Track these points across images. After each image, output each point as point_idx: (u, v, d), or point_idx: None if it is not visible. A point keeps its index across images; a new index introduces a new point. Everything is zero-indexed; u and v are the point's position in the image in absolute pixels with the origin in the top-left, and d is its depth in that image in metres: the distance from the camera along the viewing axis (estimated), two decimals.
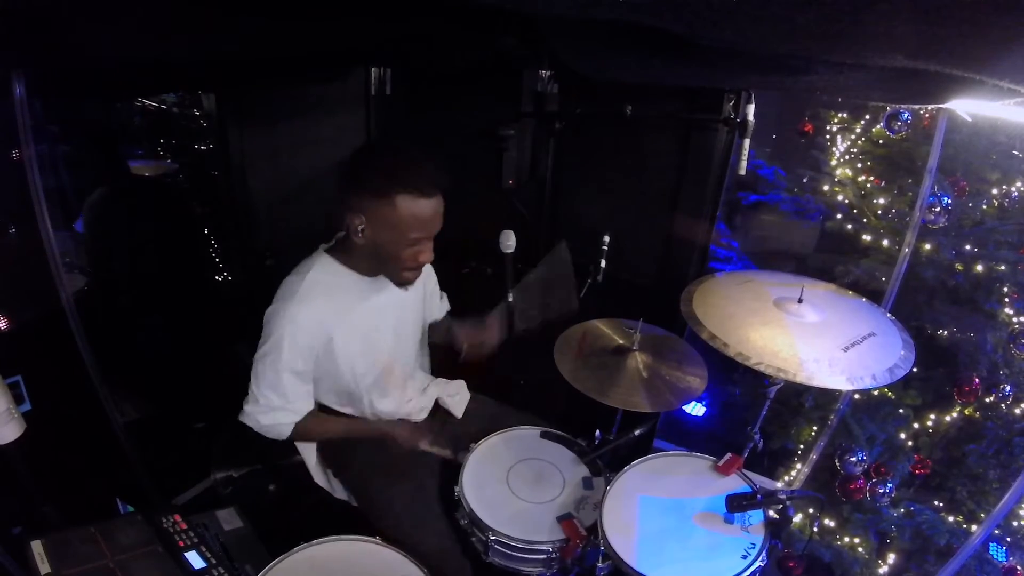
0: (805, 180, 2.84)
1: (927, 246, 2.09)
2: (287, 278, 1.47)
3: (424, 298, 1.74)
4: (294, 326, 1.40)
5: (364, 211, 1.36)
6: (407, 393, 1.71)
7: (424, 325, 1.80)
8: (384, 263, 1.45)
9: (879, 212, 2.31)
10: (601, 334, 1.73)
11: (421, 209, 1.35)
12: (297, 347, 1.42)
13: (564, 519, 1.47)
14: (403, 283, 1.50)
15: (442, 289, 1.88)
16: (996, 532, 1.88)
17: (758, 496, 1.37)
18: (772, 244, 3.15)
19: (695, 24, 0.84)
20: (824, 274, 2.22)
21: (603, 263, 2.13)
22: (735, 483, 1.50)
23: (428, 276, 1.75)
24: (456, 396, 1.81)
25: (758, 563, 1.29)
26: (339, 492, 1.72)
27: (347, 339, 1.49)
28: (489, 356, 1.72)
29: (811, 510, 2.10)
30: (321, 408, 1.62)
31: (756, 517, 1.38)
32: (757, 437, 1.64)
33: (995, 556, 1.90)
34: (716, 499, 1.42)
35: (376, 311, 1.53)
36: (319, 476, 1.70)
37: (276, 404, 1.46)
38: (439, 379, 1.83)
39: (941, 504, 2.10)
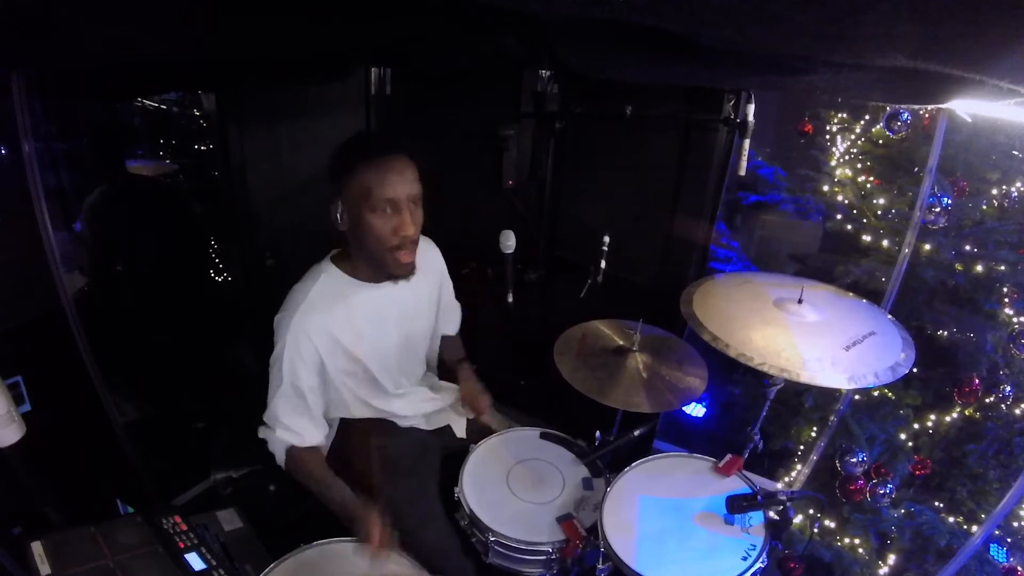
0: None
1: (927, 246, 2.09)
2: (295, 286, 1.48)
3: (437, 306, 1.74)
4: (297, 338, 1.40)
5: (338, 195, 1.39)
6: (421, 395, 1.72)
7: (435, 335, 1.79)
8: (373, 251, 1.42)
9: (879, 212, 2.30)
10: (601, 334, 1.72)
11: (378, 170, 1.34)
12: (301, 359, 1.42)
13: (564, 520, 1.47)
14: (400, 269, 1.44)
15: None
16: (996, 532, 1.88)
17: (758, 497, 1.37)
18: (772, 244, 3.15)
19: (695, 24, 0.84)
20: (824, 274, 2.22)
21: (603, 263, 2.12)
22: (735, 484, 1.50)
23: (443, 285, 1.75)
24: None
25: (758, 564, 1.29)
26: None
27: (354, 347, 1.48)
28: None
29: (811, 511, 2.09)
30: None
31: (756, 518, 1.38)
32: (757, 438, 1.64)
33: (995, 556, 1.89)
34: (716, 500, 1.42)
35: (383, 319, 1.53)
36: None
37: (279, 418, 1.46)
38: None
39: (941, 504, 2.09)
